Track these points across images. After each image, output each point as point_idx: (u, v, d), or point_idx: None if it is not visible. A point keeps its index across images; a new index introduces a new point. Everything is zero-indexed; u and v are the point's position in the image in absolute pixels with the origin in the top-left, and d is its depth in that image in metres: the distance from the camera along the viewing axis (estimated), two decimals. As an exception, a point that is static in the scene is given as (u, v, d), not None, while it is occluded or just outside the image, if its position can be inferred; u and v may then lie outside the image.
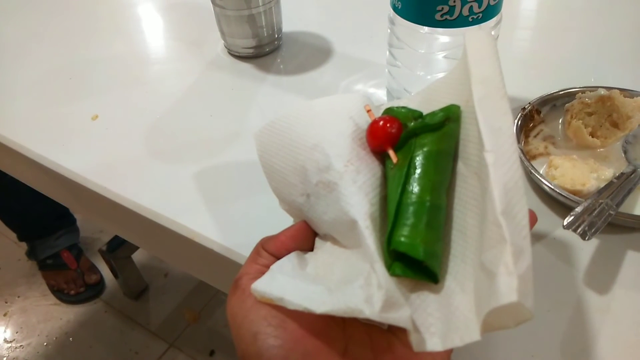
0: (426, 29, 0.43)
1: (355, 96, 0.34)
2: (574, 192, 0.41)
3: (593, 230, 0.37)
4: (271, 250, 0.30)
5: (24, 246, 1.50)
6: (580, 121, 0.46)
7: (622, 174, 0.42)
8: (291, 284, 0.27)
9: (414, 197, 0.27)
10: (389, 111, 0.32)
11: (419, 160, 0.29)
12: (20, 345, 1.37)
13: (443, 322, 0.26)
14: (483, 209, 0.26)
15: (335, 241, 0.30)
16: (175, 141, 0.53)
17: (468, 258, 0.27)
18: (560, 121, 0.49)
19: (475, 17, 0.42)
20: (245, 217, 0.44)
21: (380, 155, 0.31)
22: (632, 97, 0.47)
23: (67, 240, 1.48)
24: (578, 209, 0.38)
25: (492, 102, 0.27)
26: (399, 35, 0.47)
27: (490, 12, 0.42)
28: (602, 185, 0.41)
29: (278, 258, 0.30)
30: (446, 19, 0.42)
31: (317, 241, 0.31)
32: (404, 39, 0.47)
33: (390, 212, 0.28)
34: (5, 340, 1.38)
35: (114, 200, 0.47)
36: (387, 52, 0.51)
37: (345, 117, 0.32)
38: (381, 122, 0.30)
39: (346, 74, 0.60)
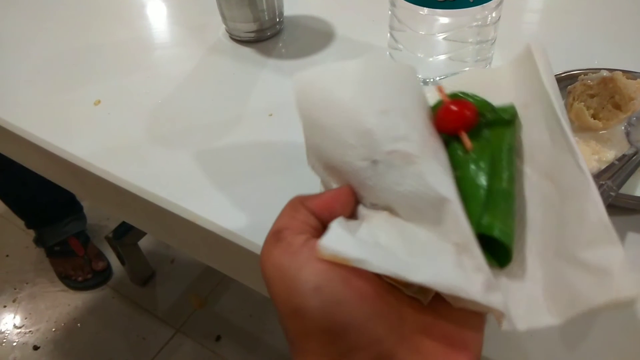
0: (426, 10, 0.43)
1: (411, 68, 0.33)
2: (575, 174, 0.41)
3: (593, 211, 0.37)
4: (312, 208, 0.28)
5: (31, 233, 1.52)
6: (582, 103, 0.46)
7: (623, 155, 0.42)
8: (367, 247, 0.26)
9: (496, 185, 0.29)
10: (457, 95, 0.32)
11: (500, 151, 0.30)
12: (30, 331, 1.39)
13: (517, 304, 0.27)
14: (564, 209, 0.28)
15: (393, 213, 0.29)
16: (177, 125, 0.53)
17: (534, 249, 0.29)
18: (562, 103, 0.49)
19: (476, -2, 0.42)
20: (247, 200, 0.44)
21: (443, 138, 0.31)
22: (635, 79, 0.46)
23: (75, 227, 1.49)
24: (578, 190, 0.38)
25: (564, 114, 0.30)
26: (399, 17, 0.47)
27: (491, -8, 0.42)
28: (604, 167, 0.41)
29: (318, 218, 0.28)
30: None
31: (363, 209, 0.30)
32: (405, 21, 0.46)
33: (470, 196, 0.28)
34: (15, 326, 1.40)
35: (118, 184, 0.48)
36: (389, 35, 0.51)
37: (414, 88, 0.31)
38: (459, 106, 0.30)
39: (348, 57, 0.59)
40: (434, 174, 0.28)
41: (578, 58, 0.54)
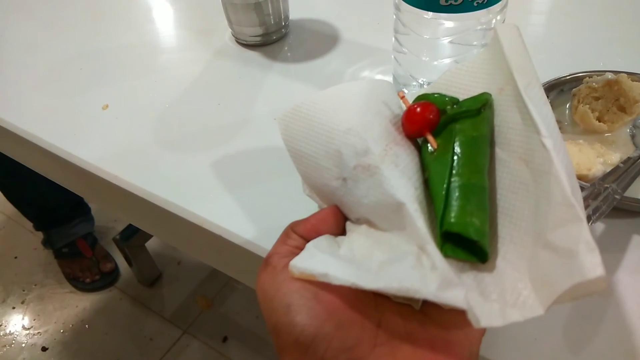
0: (431, 14, 0.43)
1: (382, 82, 0.34)
2: (580, 177, 0.41)
3: (598, 214, 0.37)
4: (301, 233, 0.30)
5: (40, 235, 1.53)
6: (587, 106, 0.46)
7: (628, 158, 0.42)
8: (332, 261, 0.27)
9: (461, 180, 0.28)
10: (423, 97, 0.33)
11: (462, 144, 0.30)
12: (38, 332, 1.40)
13: (498, 299, 0.26)
14: (536, 192, 0.27)
15: (371, 224, 0.30)
16: (184, 130, 0.54)
17: (516, 239, 0.28)
18: (567, 106, 0.49)
19: (480, 1, 0.42)
20: (253, 204, 0.45)
21: (415, 141, 0.32)
22: (640, 81, 0.46)
23: (83, 229, 1.50)
24: (583, 193, 0.38)
25: (534, 91, 0.29)
26: (404, 21, 0.47)
27: (495, -4, 0.42)
28: (608, 170, 0.41)
29: (308, 241, 0.30)
30: (451, 4, 0.42)
31: (349, 225, 0.31)
32: (409, 24, 0.47)
33: (436, 195, 0.28)
34: (24, 327, 1.41)
35: (125, 188, 0.48)
36: (393, 39, 0.51)
37: (378, 102, 0.32)
38: (419, 108, 0.31)
39: (353, 61, 0.60)
40: (391, 180, 0.28)
41: (583, 60, 0.54)
